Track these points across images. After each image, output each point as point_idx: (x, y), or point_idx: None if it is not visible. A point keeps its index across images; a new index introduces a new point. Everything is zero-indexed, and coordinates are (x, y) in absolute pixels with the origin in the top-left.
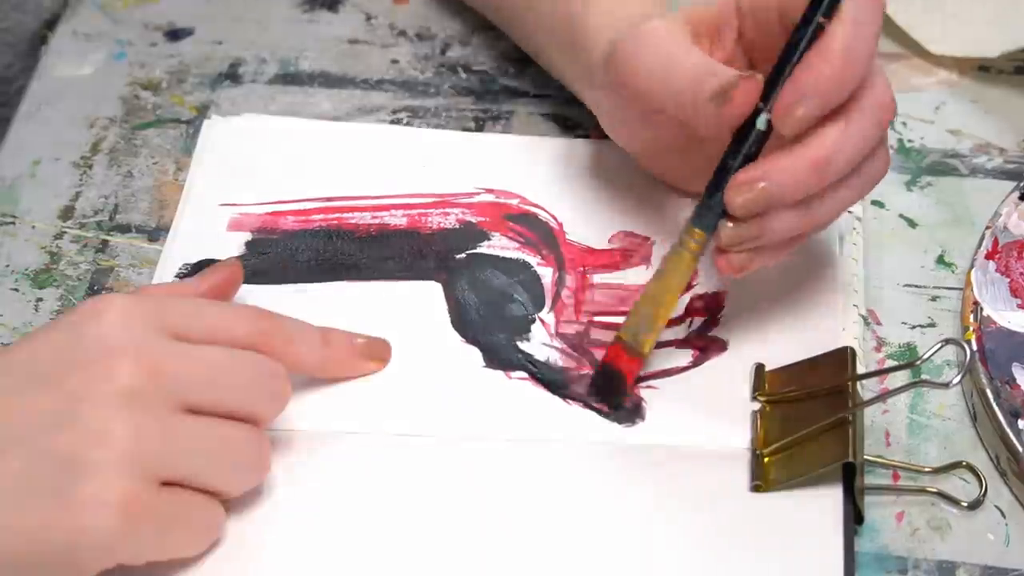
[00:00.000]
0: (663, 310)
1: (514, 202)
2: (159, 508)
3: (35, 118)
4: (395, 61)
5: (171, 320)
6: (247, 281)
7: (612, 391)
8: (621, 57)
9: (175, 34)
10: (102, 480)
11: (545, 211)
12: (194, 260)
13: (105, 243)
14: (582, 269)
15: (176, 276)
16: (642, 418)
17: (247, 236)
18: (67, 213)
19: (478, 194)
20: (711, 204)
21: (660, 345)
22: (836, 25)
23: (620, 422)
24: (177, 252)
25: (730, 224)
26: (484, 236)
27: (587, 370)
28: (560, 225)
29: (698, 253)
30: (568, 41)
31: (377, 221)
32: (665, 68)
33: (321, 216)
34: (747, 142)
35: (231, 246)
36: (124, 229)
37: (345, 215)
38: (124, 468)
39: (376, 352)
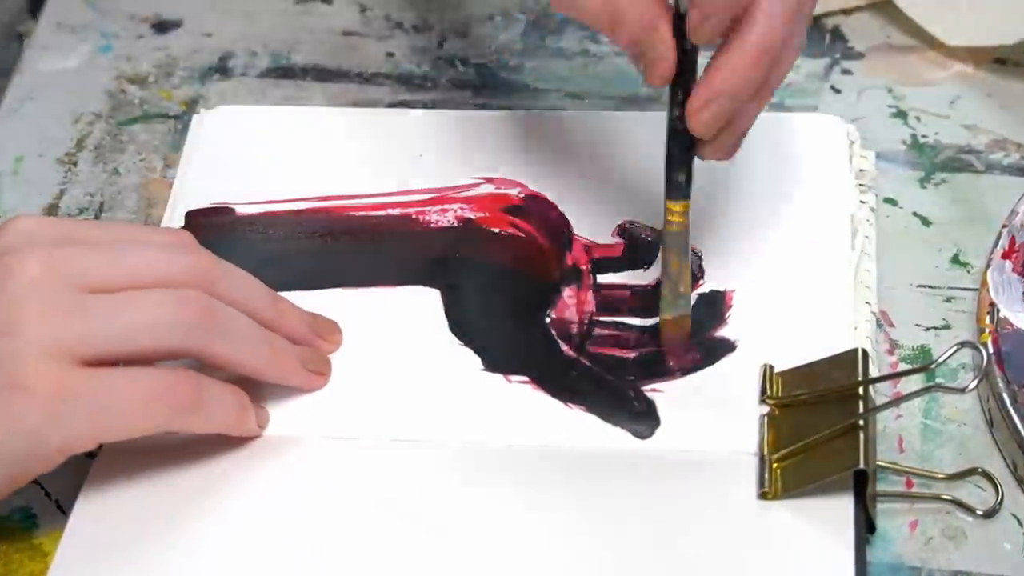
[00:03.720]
0: (683, 285)
1: (515, 191)
2: (83, 387)
3: (18, 113)
4: (391, 54)
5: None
6: None
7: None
8: None
9: (162, 26)
10: (15, 368)
11: (547, 200)
12: None
13: None
14: (585, 267)
15: None
16: (658, 423)
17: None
18: (51, 211)
19: (477, 185)
20: (676, 179)
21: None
22: None
23: (641, 436)
24: None
25: (705, 148)
26: (483, 234)
27: (588, 372)
28: (561, 216)
29: (686, 222)
30: None
31: (373, 222)
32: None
33: (315, 216)
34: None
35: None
36: None
37: (340, 215)
38: (36, 353)
39: (323, 329)
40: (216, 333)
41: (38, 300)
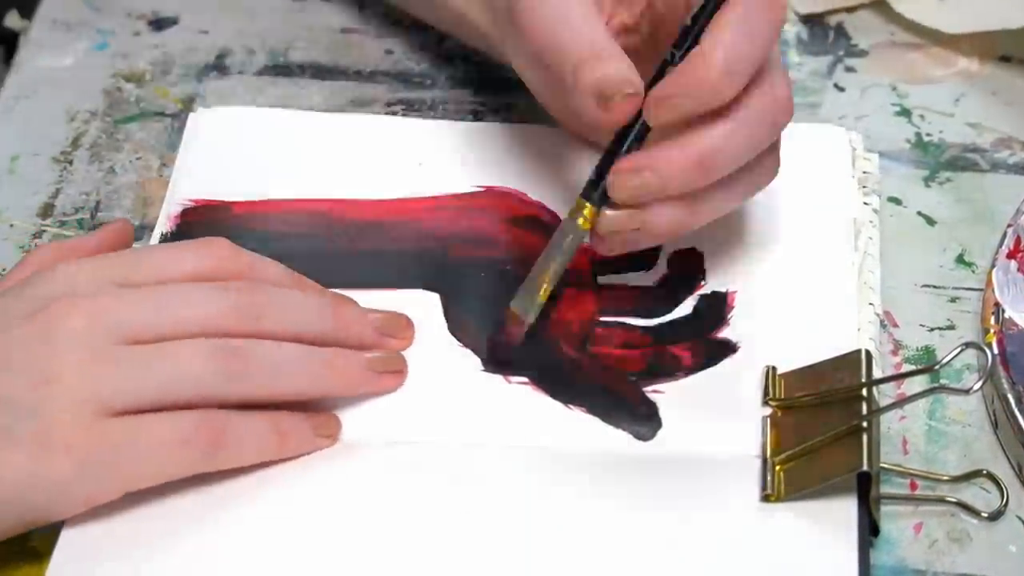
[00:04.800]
0: (548, 284)
1: (514, 201)
2: (112, 439)
3: (13, 111)
4: (390, 51)
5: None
6: None
7: (506, 359)
8: (520, 6)
9: (159, 23)
10: (49, 418)
11: (546, 209)
12: None
13: None
14: (585, 268)
15: None
16: (660, 425)
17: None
18: (47, 211)
19: (477, 193)
20: (600, 180)
21: (665, 346)
22: (723, 30)
23: (642, 438)
24: None
25: (609, 212)
26: (482, 239)
27: (589, 373)
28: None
29: (590, 227)
30: None
31: (372, 227)
32: (555, 30)
33: (313, 219)
34: (632, 131)
35: None
36: None
37: (339, 219)
38: (71, 405)
39: (394, 327)
40: (254, 374)
41: (79, 352)
